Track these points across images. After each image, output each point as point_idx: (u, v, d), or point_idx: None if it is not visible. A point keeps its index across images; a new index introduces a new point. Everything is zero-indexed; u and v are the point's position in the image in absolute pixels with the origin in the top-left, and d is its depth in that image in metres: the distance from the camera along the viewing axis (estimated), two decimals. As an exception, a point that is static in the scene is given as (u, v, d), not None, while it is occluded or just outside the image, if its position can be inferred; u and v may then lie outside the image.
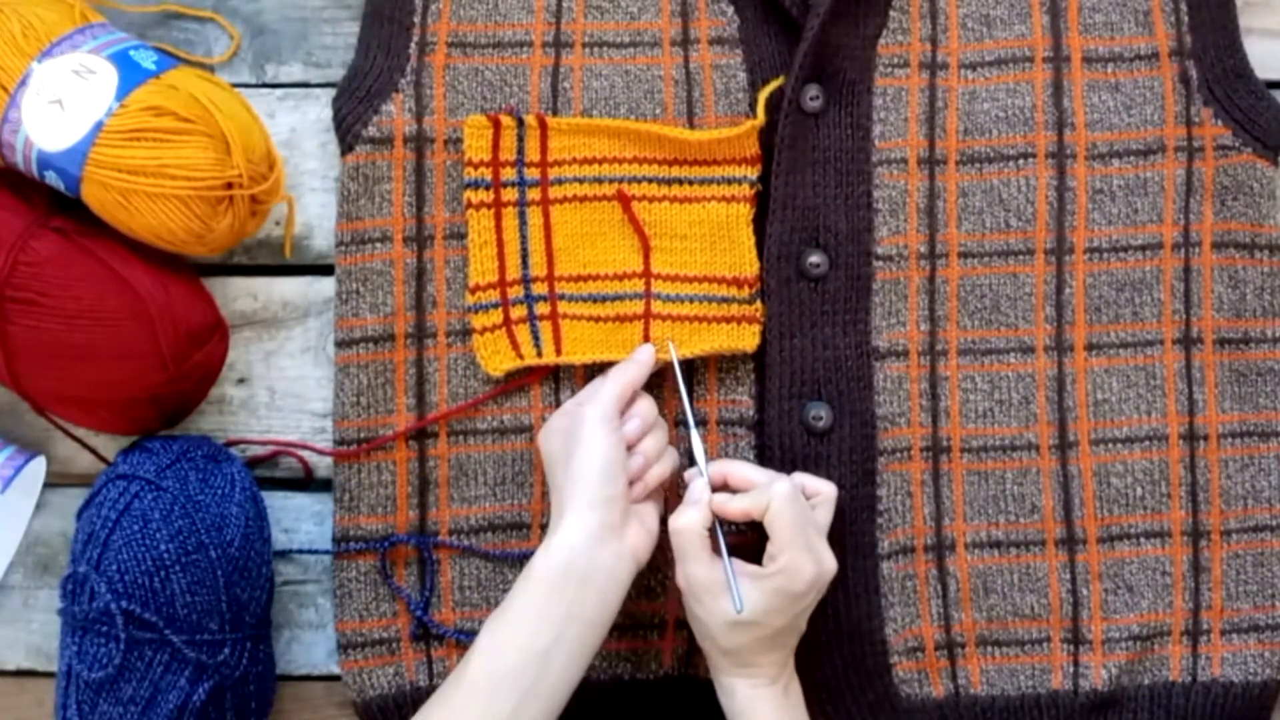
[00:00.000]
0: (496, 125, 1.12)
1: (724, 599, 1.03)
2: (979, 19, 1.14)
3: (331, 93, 1.15)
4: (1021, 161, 1.13)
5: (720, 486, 1.07)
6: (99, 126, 1.05)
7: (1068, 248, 1.13)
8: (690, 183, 1.12)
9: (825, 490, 1.08)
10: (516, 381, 1.13)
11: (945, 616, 1.12)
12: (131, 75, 1.06)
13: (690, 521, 1.04)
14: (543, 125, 1.12)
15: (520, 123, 1.12)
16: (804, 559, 1.03)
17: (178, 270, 1.11)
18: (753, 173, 1.11)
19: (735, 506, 1.05)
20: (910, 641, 1.12)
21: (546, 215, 1.12)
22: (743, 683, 1.05)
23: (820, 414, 1.11)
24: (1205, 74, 1.13)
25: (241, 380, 1.15)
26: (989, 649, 1.12)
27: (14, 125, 1.06)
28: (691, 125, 1.13)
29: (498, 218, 1.12)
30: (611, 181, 1.12)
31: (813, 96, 1.12)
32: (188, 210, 1.06)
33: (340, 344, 1.13)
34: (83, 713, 1.06)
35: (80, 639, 1.06)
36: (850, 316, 1.12)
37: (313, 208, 1.16)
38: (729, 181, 1.12)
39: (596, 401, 1.06)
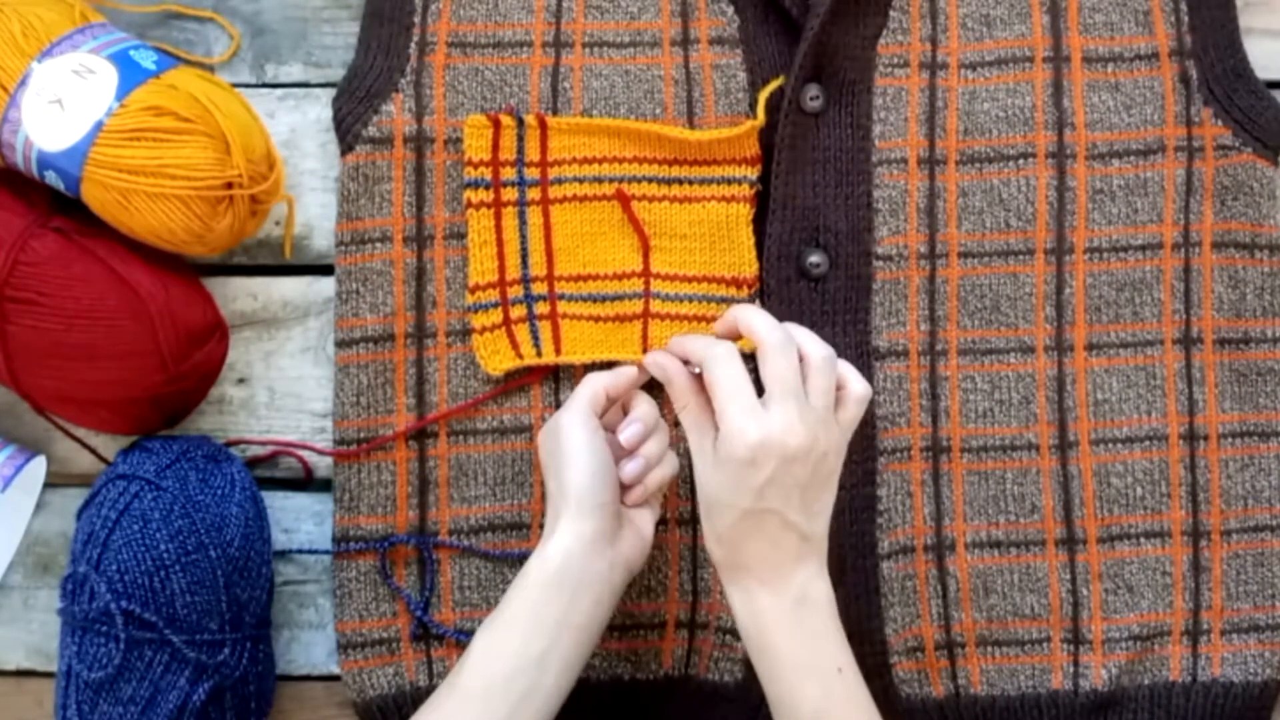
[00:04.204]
0: (496, 125, 1.12)
1: (699, 481, 0.99)
2: (979, 19, 1.14)
3: (331, 93, 1.15)
4: (1021, 161, 1.13)
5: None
6: (99, 126, 1.05)
7: (1068, 248, 1.13)
8: (690, 183, 1.12)
9: (854, 387, 1.01)
10: (516, 381, 1.13)
11: (945, 616, 1.12)
12: (131, 75, 1.06)
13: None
14: (542, 125, 1.12)
15: (520, 122, 1.12)
16: (742, 421, 0.96)
17: (178, 270, 1.11)
18: (753, 173, 1.12)
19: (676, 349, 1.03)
20: (910, 641, 1.12)
21: (546, 215, 1.12)
22: (740, 596, 0.99)
23: (820, 414, 1.11)
24: (1205, 74, 1.13)
25: (241, 380, 1.15)
26: (989, 649, 1.12)
27: (14, 125, 1.06)
28: (691, 125, 1.13)
29: (497, 217, 1.12)
30: (611, 181, 1.12)
31: (813, 96, 1.12)
32: (188, 210, 1.06)
33: (340, 344, 1.13)
34: (83, 713, 1.06)
35: (80, 639, 1.06)
36: (850, 316, 1.12)
37: (313, 208, 1.16)
38: (729, 181, 1.12)
39: (571, 408, 1.05)
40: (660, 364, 1.03)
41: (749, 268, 1.11)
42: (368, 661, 1.12)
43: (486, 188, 1.12)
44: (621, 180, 1.12)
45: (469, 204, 1.12)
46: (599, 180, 1.12)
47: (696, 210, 1.12)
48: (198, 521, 1.06)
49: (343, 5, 1.17)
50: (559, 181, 1.12)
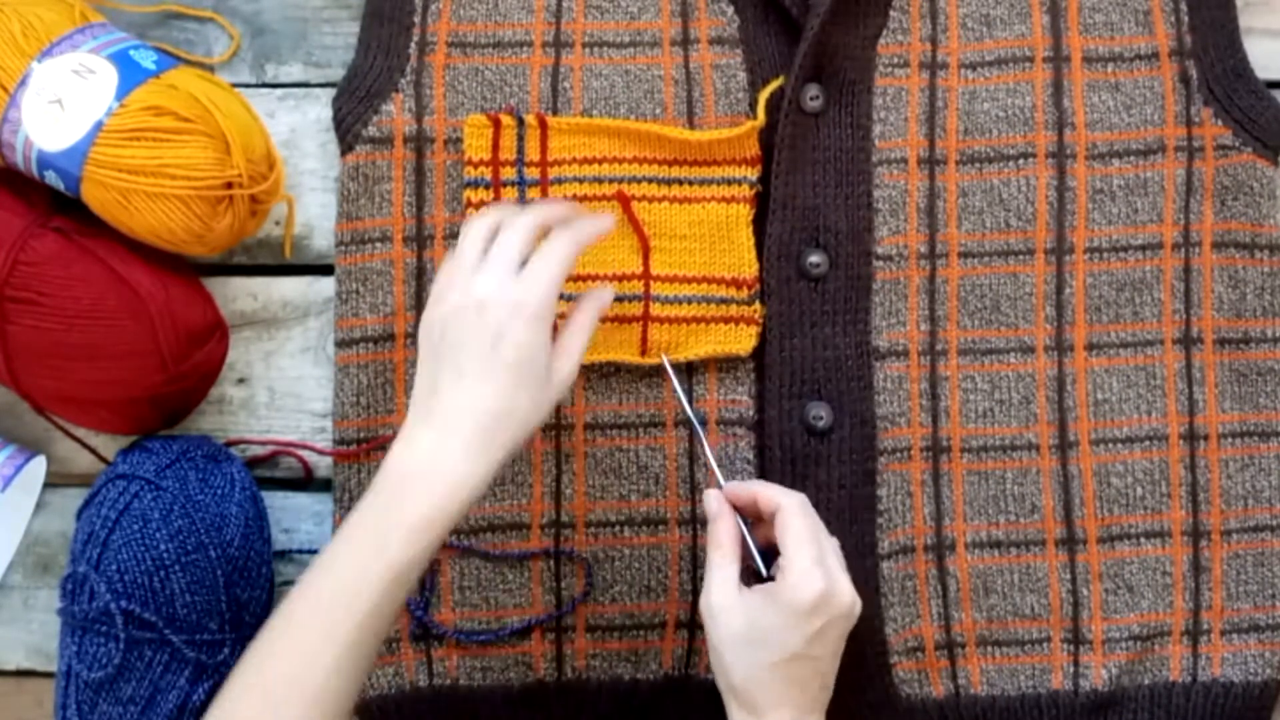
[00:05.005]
0: (496, 124, 1.12)
1: (734, 616, 1.00)
2: (979, 19, 1.14)
3: (331, 93, 1.15)
4: (1021, 161, 1.13)
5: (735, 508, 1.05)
6: (99, 126, 1.05)
7: (1068, 247, 1.13)
8: (690, 183, 1.12)
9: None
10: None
11: (945, 616, 1.12)
12: (131, 75, 1.06)
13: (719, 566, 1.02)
14: (543, 125, 1.12)
15: (520, 122, 1.12)
16: (814, 572, 0.99)
17: (178, 270, 1.11)
18: (753, 173, 1.11)
19: (746, 493, 1.03)
20: (910, 641, 1.12)
21: None
22: None
23: (820, 414, 1.11)
24: (1205, 74, 1.13)
25: (241, 380, 1.15)
26: (989, 649, 1.12)
27: (14, 125, 1.06)
28: (691, 125, 1.13)
29: None
30: (611, 181, 1.12)
31: (813, 96, 1.12)
32: (188, 210, 1.06)
33: (340, 344, 1.13)
34: (82, 713, 1.06)
35: (80, 639, 1.06)
36: (850, 316, 1.12)
37: (313, 208, 1.16)
38: (729, 182, 1.12)
39: (526, 312, 0.96)
40: (715, 507, 1.03)
41: (749, 268, 1.11)
42: (368, 661, 1.12)
43: (486, 187, 1.12)
44: (622, 181, 1.12)
45: (469, 204, 1.12)
46: (599, 180, 1.12)
47: (696, 211, 1.12)
48: (198, 521, 1.06)
49: (343, 5, 1.17)
50: (559, 181, 1.12)
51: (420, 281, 1.13)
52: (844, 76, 1.13)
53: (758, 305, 1.11)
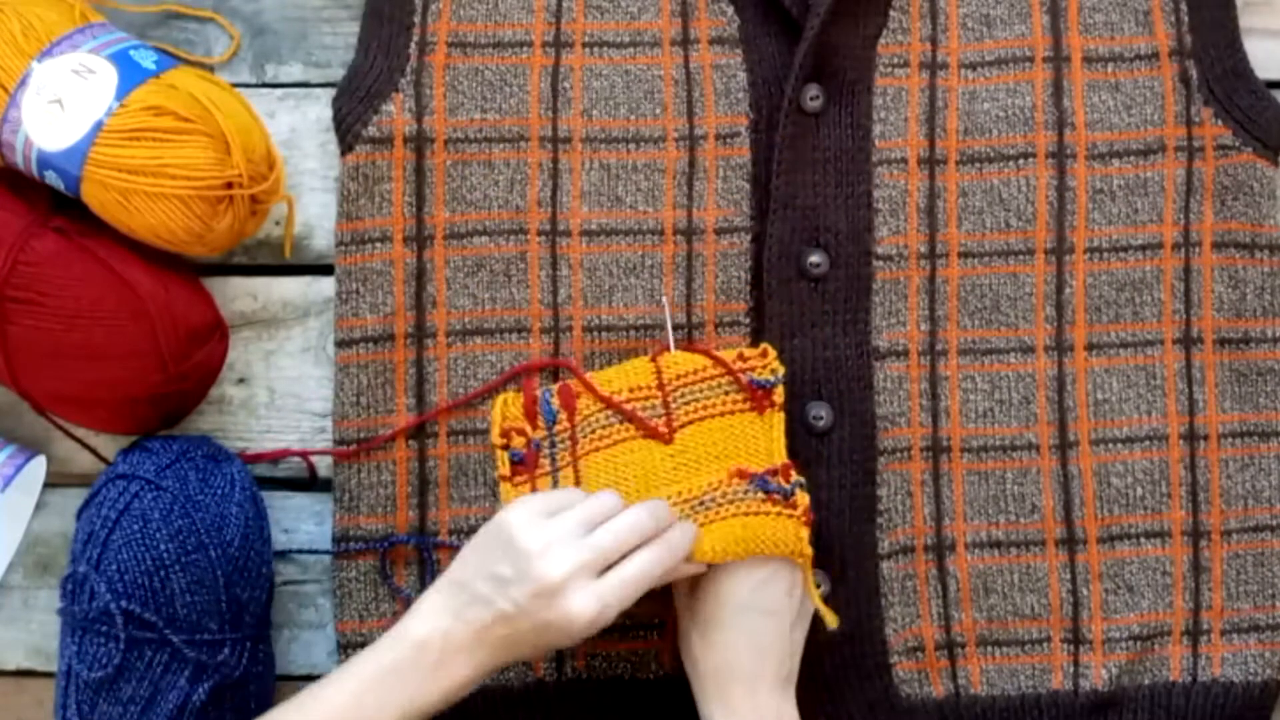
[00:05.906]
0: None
1: (693, 590, 1.03)
2: (979, 19, 1.14)
3: (331, 93, 1.15)
4: (1021, 161, 1.13)
5: None
6: (99, 126, 1.05)
7: (1068, 247, 1.13)
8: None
9: None
10: (519, 368, 1.12)
11: (945, 616, 1.12)
12: (131, 75, 1.06)
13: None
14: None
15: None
16: None
17: (178, 270, 1.11)
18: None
19: None
20: (910, 641, 1.12)
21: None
22: (720, 712, 1.01)
23: (820, 414, 1.11)
24: (1205, 74, 1.13)
25: (241, 380, 1.15)
26: (989, 649, 1.12)
27: (14, 125, 1.06)
28: (691, 125, 1.13)
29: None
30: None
31: (813, 96, 1.12)
32: (188, 210, 1.06)
33: (340, 344, 1.13)
34: (82, 713, 1.06)
35: (80, 639, 1.06)
36: (850, 316, 1.12)
37: (313, 208, 1.16)
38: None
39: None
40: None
41: (779, 457, 1.08)
42: (368, 661, 1.12)
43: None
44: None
45: (503, 478, 1.10)
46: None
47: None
48: (198, 521, 1.06)
49: (343, 5, 1.17)
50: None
51: (420, 281, 1.13)
52: (844, 76, 1.13)
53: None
